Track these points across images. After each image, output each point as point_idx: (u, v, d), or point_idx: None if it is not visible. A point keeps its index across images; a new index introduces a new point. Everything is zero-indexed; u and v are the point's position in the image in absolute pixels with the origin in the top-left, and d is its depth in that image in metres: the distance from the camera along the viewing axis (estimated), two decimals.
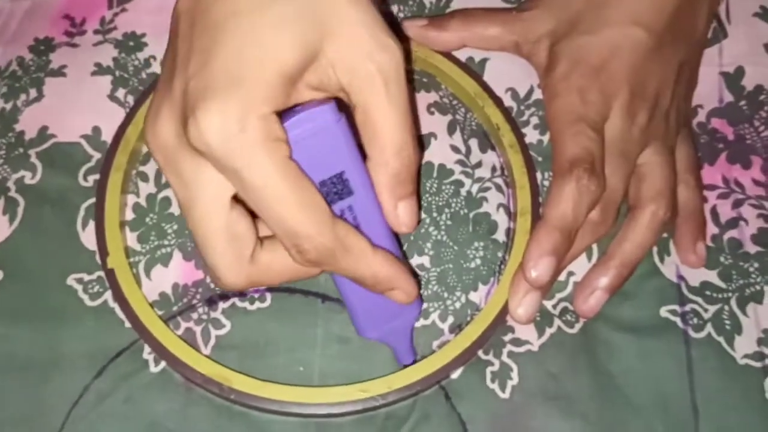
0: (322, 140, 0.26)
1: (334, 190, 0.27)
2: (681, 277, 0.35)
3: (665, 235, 0.36)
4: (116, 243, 0.33)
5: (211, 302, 0.34)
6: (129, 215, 0.35)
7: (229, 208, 0.26)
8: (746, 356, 0.33)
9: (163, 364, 0.32)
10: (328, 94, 0.27)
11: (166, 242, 0.35)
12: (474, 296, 0.34)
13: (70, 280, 0.34)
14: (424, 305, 0.34)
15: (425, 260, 0.35)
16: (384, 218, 0.29)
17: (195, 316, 0.33)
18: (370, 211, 0.28)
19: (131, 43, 0.39)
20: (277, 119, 0.25)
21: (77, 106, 0.37)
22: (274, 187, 0.25)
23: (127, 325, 0.33)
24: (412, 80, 0.39)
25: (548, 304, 0.34)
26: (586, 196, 0.32)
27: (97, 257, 0.34)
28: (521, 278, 0.32)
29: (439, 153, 0.37)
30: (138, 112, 0.36)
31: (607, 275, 0.34)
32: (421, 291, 0.34)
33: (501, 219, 0.36)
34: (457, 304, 0.34)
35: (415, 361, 0.32)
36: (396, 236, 0.30)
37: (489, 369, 0.33)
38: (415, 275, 0.34)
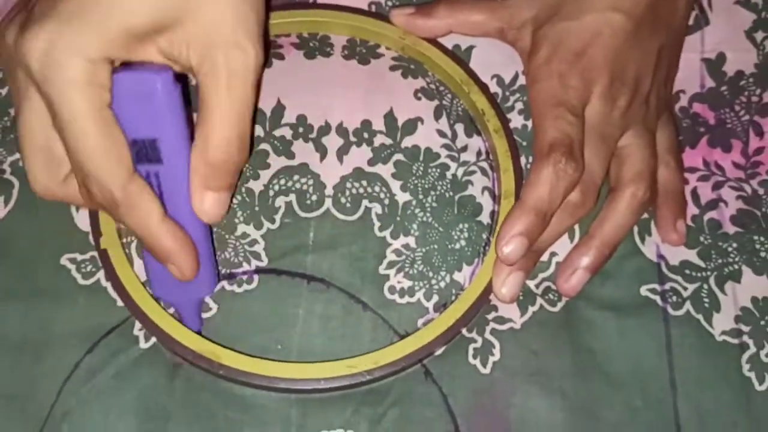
0: (146, 103, 0.27)
1: (144, 152, 0.28)
2: (661, 257, 0.36)
3: (646, 215, 0.36)
4: (109, 224, 0.34)
5: None
6: None
7: (50, 129, 0.28)
8: (724, 333, 0.34)
9: (152, 340, 0.33)
10: (177, 67, 0.28)
11: None
12: (458, 276, 0.35)
13: (64, 260, 0.34)
14: (410, 283, 0.35)
15: (411, 240, 0.35)
16: (186, 194, 0.29)
17: None
18: (177, 187, 0.29)
19: None
20: (108, 67, 0.26)
21: None
22: (80, 125, 0.26)
23: (119, 303, 0.33)
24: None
25: (531, 284, 0.35)
26: (563, 180, 0.32)
27: (91, 238, 0.35)
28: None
29: (425, 137, 0.38)
30: None
31: (588, 255, 0.34)
32: (407, 270, 0.35)
33: (486, 202, 0.36)
34: (442, 284, 0.35)
35: (200, 333, 0.33)
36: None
37: (472, 346, 0.33)
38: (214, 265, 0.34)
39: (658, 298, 0.35)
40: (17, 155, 0.37)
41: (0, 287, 0.34)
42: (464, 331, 0.34)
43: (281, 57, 0.39)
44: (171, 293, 0.33)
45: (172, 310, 0.34)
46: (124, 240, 0.35)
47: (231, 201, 0.29)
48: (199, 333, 0.33)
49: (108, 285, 0.34)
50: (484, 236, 0.36)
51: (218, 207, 0.30)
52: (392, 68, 0.39)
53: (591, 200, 0.34)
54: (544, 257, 0.35)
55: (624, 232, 0.35)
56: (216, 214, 0.30)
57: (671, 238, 0.35)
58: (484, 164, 0.37)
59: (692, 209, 0.37)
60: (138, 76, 0.27)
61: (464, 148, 0.38)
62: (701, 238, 0.36)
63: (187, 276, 0.31)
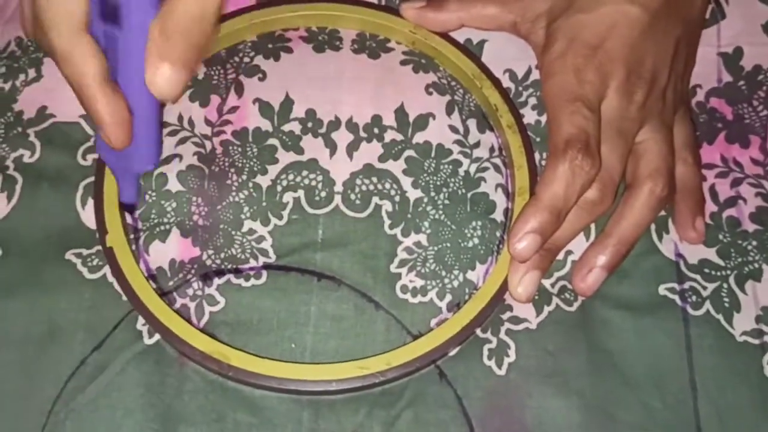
0: None
1: (107, 10, 0.26)
2: (679, 255, 0.35)
3: (663, 213, 0.35)
4: (115, 221, 0.34)
5: (206, 278, 0.34)
6: None
7: None
8: (745, 333, 0.33)
9: (156, 336, 0.32)
10: None
11: (165, 219, 0.35)
12: (472, 275, 0.34)
13: (69, 255, 0.34)
14: (423, 282, 0.34)
15: (423, 238, 0.35)
16: (138, 62, 0.27)
17: (190, 291, 0.33)
18: (133, 56, 0.27)
19: None
20: None
21: None
22: None
23: (125, 298, 0.33)
24: (409, 62, 0.39)
25: (547, 283, 0.34)
26: (580, 177, 0.32)
27: (98, 233, 0.34)
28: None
29: (437, 133, 0.37)
30: None
31: (605, 253, 0.33)
32: (419, 269, 0.34)
33: (499, 199, 0.36)
34: (455, 283, 0.34)
35: (133, 208, 0.33)
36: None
37: (486, 346, 0.33)
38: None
39: (677, 298, 0.34)
40: (20, 151, 0.36)
41: (4, 282, 0.33)
42: (479, 331, 0.33)
43: (289, 50, 0.39)
44: (111, 159, 0.32)
45: (176, 308, 0.33)
46: (131, 236, 0.34)
47: (186, 84, 0.27)
48: (132, 206, 0.33)
49: (114, 280, 0.33)
50: (498, 234, 0.35)
51: (171, 83, 0.27)
52: (403, 62, 0.39)
53: (609, 197, 0.33)
54: (560, 256, 0.34)
55: (641, 229, 0.34)
56: (168, 91, 0.27)
57: (690, 237, 0.35)
58: (497, 160, 0.37)
59: (711, 206, 0.36)
60: None
61: (477, 144, 0.37)
62: (720, 236, 0.35)
63: (115, 145, 0.29)
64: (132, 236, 0.34)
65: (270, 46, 0.39)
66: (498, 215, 0.35)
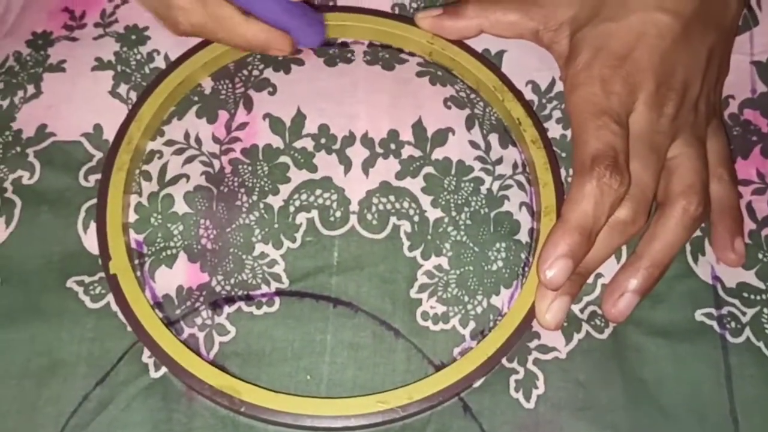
0: None
1: None
2: (716, 278, 0.33)
3: (698, 233, 0.33)
4: (119, 246, 0.32)
5: (215, 306, 0.32)
6: (132, 216, 0.34)
7: None
8: None
9: (163, 369, 0.30)
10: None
11: (171, 243, 0.33)
12: (496, 300, 0.32)
13: (70, 283, 0.32)
14: (444, 308, 0.32)
15: (444, 261, 0.33)
16: None
17: (199, 321, 0.31)
18: None
19: (133, 37, 0.37)
20: None
21: (77, 103, 0.36)
22: None
23: (129, 329, 0.31)
24: (427, 73, 0.37)
25: (576, 309, 0.32)
26: (609, 195, 0.30)
27: (101, 260, 0.32)
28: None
29: (457, 149, 0.35)
30: (141, 109, 0.35)
31: (636, 277, 0.31)
32: (440, 294, 0.32)
33: (524, 219, 0.34)
34: (479, 309, 0.32)
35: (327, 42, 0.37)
36: None
37: (513, 377, 0.31)
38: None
39: (714, 324, 0.32)
40: (19, 172, 0.34)
41: (3, 312, 0.31)
42: (504, 361, 0.31)
43: (300, 63, 0.37)
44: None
45: (184, 337, 0.31)
46: (135, 262, 0.32)
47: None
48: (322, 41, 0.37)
49: (118, 309, 0.31)
50: (523, 256, 0.33)
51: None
52: (419, 74, 0.37)
53: (643, 217, 0.31)
54: (589, 279, 0.32)
55: (675, 250, 0.32)
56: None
57: (729, 259, 0.33)
58: (521, 177, 0.35)
59: (748, 224, 0.34)
60: None
61: (499, 161, 0.35)
62: (760, 256, 0.33)
63: (286, 52, 0.35)
64: (137, 262, 0.32)
65: (280, 58, 0.37)
66: (523, 236, 0.33)
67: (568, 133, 0.35)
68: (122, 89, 0.36)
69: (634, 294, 0.31)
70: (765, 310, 0.32)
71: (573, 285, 0.31)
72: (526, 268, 0.33)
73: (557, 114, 0.36)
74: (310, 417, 0.29)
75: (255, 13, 0.34)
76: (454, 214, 0.34)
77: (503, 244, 0.33)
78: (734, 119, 0.37)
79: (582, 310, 0.32)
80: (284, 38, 0.35)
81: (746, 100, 0.37)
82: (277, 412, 0.29)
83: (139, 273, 0.32)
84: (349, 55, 0.37)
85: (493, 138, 0.35)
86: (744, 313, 0.32)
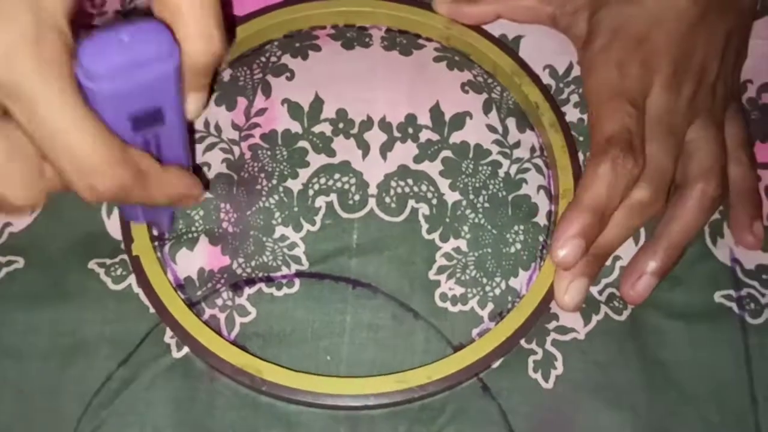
0: (154, 68, 0.23)
1: (145, 119, 0.25)
2: (735, 260, 0.33)
3: (717, 215, 0.33)
4: (141, 229, 0.32)
5: (236, 288, 0.32)
6: None
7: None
8: None
9: (185, 349, 0.31)
10: None
11: (193, 228, 0.33)
12: (515, 282, 0.32)
13: (92, 264, 0.32)
14: (463, 290, 0.32)
15: (462, 244, 0.33)
16: (184, 135, 0.27)
17: (219, 302, 0.32)
18: (175, 134, 0.27)
19: None
20: (69, 28, 0.22)
21: None
22: (65, 118, 0.22)
23: (152, 310, 0.31)
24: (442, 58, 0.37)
25: (594, 291, 0.32)
26: (623, 177, 0.30)
27: (123, 243, 0.33)
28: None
29: (474, 133, 0.35)
30: None
31: (655, 259, 0.32)
32: (459, 276, 0.32)
33: (542, 201, 0.34)
34: (497, 291, 0.32)
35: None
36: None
37: (532, 358, 0.31)
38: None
39: (734, 305, 0.32)
40: None
41: (28, 293, 0.32)
42: (523, 342, 0.31)
43: (318, 48, 0.37)
44: (142, 219, 0.32)
45: (205, 318, 0.31)
46: (155, 244, 0.33)
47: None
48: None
49: (140, 291, 0.32)
50: (541, 239, 0.33)
51: (199, 104, 0.27)
52: (436, 59, 0.37)
53: (661, 198, 0.31)
54: (608, 261, 0.33)
55: (693, 232, 0.32)
56: (198, 111, 0.27)
57: (747, 241, 0.33)
58: (539, 161, 0.35)
59: (766, 208, 0.34)
60: (143, 34, 0.22)
61: (517, 144, 0.35)
62: None
63: (200, 199, 0.31)
64: (156, 244, 0.33)
65: (297, 44, 0.37)
66: (541, 219, 0.33)
67: (586, 117, 0.35)
68: None
69: (653, 276, 0.31)
70: None
71: (591, 266, 0.31)
72: (545, 251, 0.33)
73: (575, 98, 0.36)
74: (330, 396, 0.29)
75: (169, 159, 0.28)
76: (472, 197, 0.34)
77: (521, 227, 0.33)
78: (752, 103, 0.37)
79: (600, 292, 0.32)
80: (198, 185, 0.30)
81: (765, 84, 0.37)
82: (298, 391, 0.29)
83: (159, 255, 0.33)
84: (366, 39, 0.37)
85: (511, 122, 0.35)
86: (763, 295, 0.32)
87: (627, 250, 0.33)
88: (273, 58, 0.37)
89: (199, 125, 0.35)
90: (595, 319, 0.32)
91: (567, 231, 0.30)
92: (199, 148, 0.35)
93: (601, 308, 0.32)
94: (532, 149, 0.35)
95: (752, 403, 0.30)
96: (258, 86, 0.36)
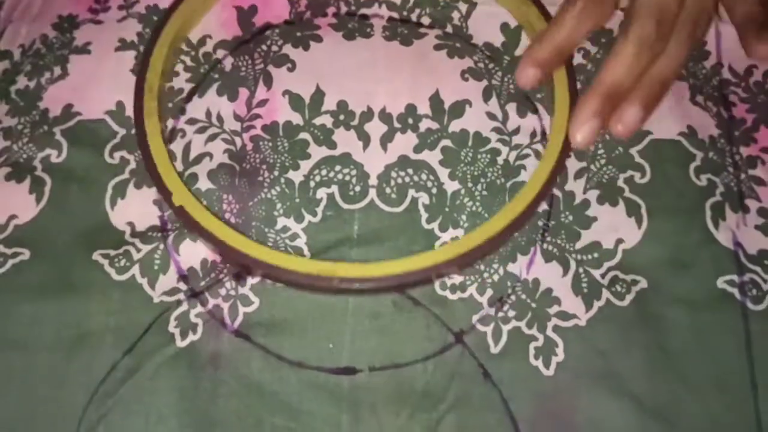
0: None
1: None
2: (738, 244, 0.33)
3: (718, 198, 0.33)
4: (175, 181, 0.33)
5: (239, 278, 0.32)
6: (156, 195, 0.34)
7: None
8: None
9: (189, 338, 0.31)
10: None
11: None
12: (513, 267, 0.32)
13: (96, 256, 0.33)
14: (461, 278, 0.32)
15: (460, 233, 0.33)
16: None
17: (223, 292, 0.32)
18: None
19: (155, 18, 0.38)
20: None
21: (101, 83, 0.36)
22: None
23: (155, 300, 0.32)
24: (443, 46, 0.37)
25: (596, 274, 0.32)
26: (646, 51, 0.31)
27: (127, 235, 0.33)
28: (584, 105, 0.32)
29: (474, 120, 0.35)
30: (151, 58, 0.35)
31: (638, 92, 0.32)
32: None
33: None
34: (495, 277, 0.32)
35: None
36: None
37: (533, 344, 0.31)
38: None
39: (736, 291, 0.32)
40: (47, 151, 0.35)
41: (34, 285, 0.32)
42: (524, 326, 0.31)
43: (319, 39, 0.37)
44: None
45: (209, 308, 0.32)
46: (159, 235, 0.33)
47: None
48: None
49: (144, 281, 0.32)
50: (540, 224, 0.33)
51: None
52: (437, 47, 0.37)
53: (667, 35, 0.32)
54: (610, 244, 0.32)
55: (675, 64, 0.33)
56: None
57: (759, 50, 0.34)
58: (539, 146, 0.35)
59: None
60: None
61: (516, 131, 0.35)
62: None
63: None
64: (160, 235, 0.33)
65: (298, 34, 0.37)
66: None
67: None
68: None
69: (639, 108, 0.32)
70: None
71: (604, 106, 0.32)
72: (545, 234, 0.33)
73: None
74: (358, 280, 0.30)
75: None
76: (470, 185, 0.34)
77: None
78: (758, 87, 0.36)
79: (603, 276, 0.32)
80: None
81: None
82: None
83: (162, 246, 0.33)
84: (368, 29, 0.37)
85: (511, 107, 0.35)
86: (765, 281, 0.32)
87: (630, 232, 0.33)
88: (274, 47, 0.37)
89: (200, 115, 0.36)
90: (596, 305, 0.32)
91: (584, 111, 0.31)
92: (201, 138, 0.35)
93: (602, 293, 0.32)
94: (533, 134, 0.35)
95: (753, 389, 0.30)
96: (260, 77, 0.36)
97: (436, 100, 0.36)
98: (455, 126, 0.35)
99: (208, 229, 0.31)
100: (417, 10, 0.38)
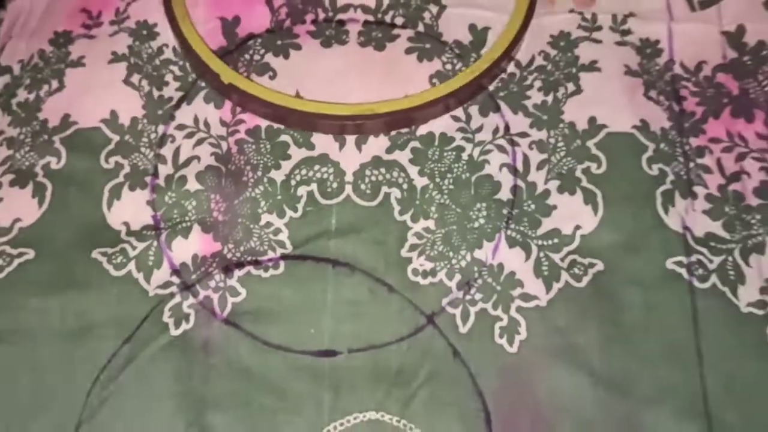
0: None
1: None
2: (686, 228, 0.35)
3: (669, 186, 0.36)
4: (217, 63, 0.38)
5: (227, 271, 0.35)
6: (149, 196, 0.37)
7: None
8: (750, 305, 0.34)
9: (182, 327, 0.34)
10: None
11: (186, 218, 0.36)
12: (479, 253, 0.35)
13: (95, 254, 0.35)
14: (432, 264, 0.35)
15: (431, 223, 0.36)
16: None
17: (212, 284, 0.35)
18: None
19: (144, 32, 0.41)
20: None
21: (96, 93, 0.39)
22: None
23: (150, 294, 0.34)
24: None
25: (556, 258, 0.35)
26: None
27: (123, 234, 0.36)
28: None
29: (440, 123, 0.38)
30: None
31: None
32: (428, 252, 0.35)
33: (504, 178, 0.37)
34: (463, 263, 0.35)
35: None
36: None
37: (498, 324, 0.34)
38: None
39: (684, 271, 0.34)
40: (48, 158, 0.38)
41: (39, 282, 0.35)
42: (489, 308, 0.34)
43: (298, 47, 0.40)
44: None
45: (200, 299, 0.34)
46: (153, 233, 0.36)
47: None
48: None
49: (139, 276, 0.35)
50: (505, 212, 0.36)
51: None
52: (408, 51, 0.40)
53: None
54: (569, 230, 0.35)
55: None
56: None
57: None
58: (502, 141, 0.37)
59: (717, 179, 0.36)
60: None
61: (479, 129, 0.38)
62: (726, 209, 0.36)
63: None
64: (153, 233, 0.36)
65: (279, 42, 0.40)
66: (504, 194, 0.36)
67: (549, 98, 0.38)
68: (135, 78, 0.40)
69: None
70: (730, 258, 0.35)
71: None
72: (510, 222, 0.35)
73: (538, 84, 0.39)
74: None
75: None
76: (438, 180, 0.37)
77: (484, 204, 0.36)
78: (708, 81, 0.39)
79: (562, 259, 0.35)
80: None
81: (719, 65, 0.39)
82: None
83: (156, 243, 0.36)
84: (344, 36, 0.40)
85: (473, 109, 0.38)
86: (711, 261, 0.34)
87: (587, 219, 0.35)
88: (257, 57, 0.40)
89: (188, 121, 0.38)
90: (556, 287, 0.34)
91: None
92: (189, 143, 0.38)
93: (562, 276, 0.35)
94: (495, 130, 0.38)
95: (698, 359, 0.33)
96: None
97: None
98: (423, 129, 0.38)
99: (262, 97, 0.37)
100: (391, 12, 0.41)
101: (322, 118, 0.36)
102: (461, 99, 0.37)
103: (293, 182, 0.37)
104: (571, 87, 0.39)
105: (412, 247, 0.35)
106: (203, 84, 0.39)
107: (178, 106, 0.39)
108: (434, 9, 0.41)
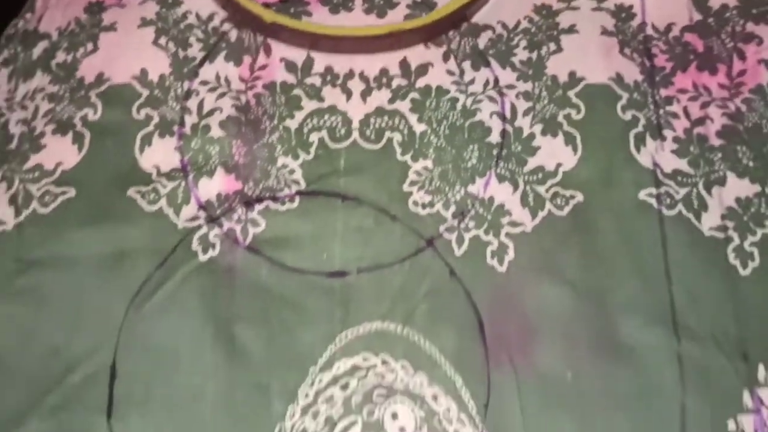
0: None
1: None
2: (656, 164, 0.40)
3: (639, 129, 0.40)
4: (257, 7, 0.42)
5: (248, 205, 0.39)
6: (177, 143, 0.41)
7: None
8: (711, 229, 0.38)
9: (209, 253, 0.38)
10: None
11: (211, 161, 0.41)
12: (472, 188, 0.39)
13: (131, 192, 0.40)
14: (430, 197, 0.39)
15: (428, 163, 0.40)
16: None
17: (235, 217, 0.39)
18: None
19: (170, 0, 0.45)
20: None
21: (127, 54, 0.44)
22: None
23: (180, 226, 0.39)
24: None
25: (541, 190, 0.39)
26: None
27: (154, 175, 0.40)
28: None
29: (436, 77, 0.43)
30: None
31: None
32: (426, 187, 0.40)
33: (494, 124, 0.41)
34: (458, 196, 0.39)
35: None
36: None
37: (489, 248, 0.38)
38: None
39: (654, 201, 0.39)
40: (85, 110, 0.42)
41: (79, 217, 0.39)
42: (481, 234, 0.38)
43: (309, 14, 0.44)
44: None
45: (224, 230, 0.39)
46: (181, 174, 0.40)
47: None
48: None
49: (170, 211, 0.39)
50: (495, 153, 0.40)
51: None
52: (407, 17, 0.44)
53: None
54: (552, 167, 0.40)
55: None
56: None
57: None
58: (492, 92, 0.42)
59: (683, 124, 0.41)
60: None
61: (472, 81, 0.42)
62: (691, 149, 0.40)
63: None
64: (181, 174, 0.40)
65: (292, 10, 0.45)
66: (494, 137, 0.41)
67: (534, 55, 0.43)
68: (162, 40, 0.44)
69: None
70: (694, 190, 0.39)
71: None
72: (499, 161, 0.40)
73: (523, 43, 0.43)
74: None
75: None
76: (435, 126, 0.41)
77: (476, 146, 0.40)
78: (676, 41, 0.44)
79: (546, 191, 0.39)
80: None
81: (686, 26, 0.44)
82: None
83: (184, 183, 0.40)
84: (350, 3, 0.45)
85: (466, 65, 0.43)
86: (677, 192, 0.39)
87: (569, 158, 0.40)
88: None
89: (211, 78, 0.43)
90: (540, 215, 0.39)
91: None
92: (212, 96, 0.42)
93: (546, 205, 0.39)
94: (486, 83, 0.42)
95: (667, 278, 0.37)
96: (260, 47, 0.44)
97: (404, 64, 0.43)
98: (421, 82, 0.42)
99: (304, 29, 0.42)
100: None
101: (360, 40, 0.42)
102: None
103: (306, 129, 0.41)
104: (552, 47, 0.43)
105: (412, 183, 0.40)
106: (224, 45, 0.44)
107: (201, 64, 0.43)
108: None
